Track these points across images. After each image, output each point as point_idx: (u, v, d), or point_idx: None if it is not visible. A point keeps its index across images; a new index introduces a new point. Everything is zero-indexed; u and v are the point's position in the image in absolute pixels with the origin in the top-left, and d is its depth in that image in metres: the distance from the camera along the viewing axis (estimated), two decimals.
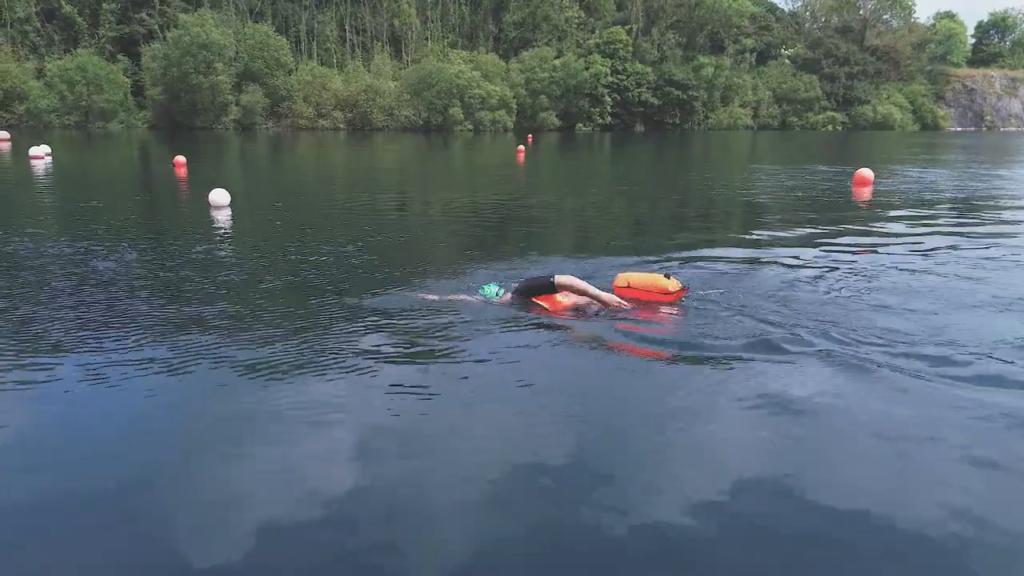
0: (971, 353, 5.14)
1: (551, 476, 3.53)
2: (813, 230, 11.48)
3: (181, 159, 20.82)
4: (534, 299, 6.06)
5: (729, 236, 11.34)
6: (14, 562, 2.85)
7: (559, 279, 5.94)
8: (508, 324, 5.73)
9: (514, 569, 2.87)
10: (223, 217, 11.74)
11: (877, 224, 12.42)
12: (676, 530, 3.10)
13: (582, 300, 6.06)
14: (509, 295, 6.19)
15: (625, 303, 6.04)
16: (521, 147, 34.06)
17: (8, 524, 3.10)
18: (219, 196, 12.14)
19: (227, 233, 10.74)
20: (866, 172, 18.09)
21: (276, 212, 13.53)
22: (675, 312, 6.05)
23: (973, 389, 4.57)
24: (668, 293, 6.02)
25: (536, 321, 5.80)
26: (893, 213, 14.07)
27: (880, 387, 4.57)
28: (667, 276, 6.15)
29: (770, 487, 3.50)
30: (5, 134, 35.38)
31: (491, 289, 6.24)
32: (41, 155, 22.45)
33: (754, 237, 10.96)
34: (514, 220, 12.88)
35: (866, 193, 16.96)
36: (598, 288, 6.05)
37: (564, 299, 6.08)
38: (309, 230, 11.27)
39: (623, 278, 6.26)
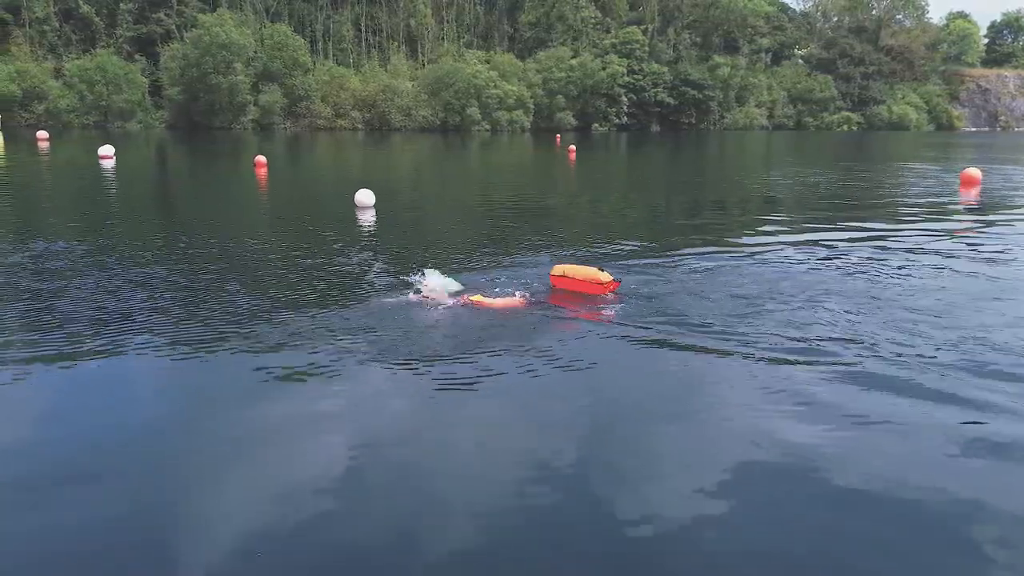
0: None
1: (550, 472, 3.58)
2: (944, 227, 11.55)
3: (262, 159, 20.34)
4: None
5: (853, 225, 11.08)
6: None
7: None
8: (489, 323, 5.86)
9: (511, 568, 2.89)
10: (368, 217, 11.29)
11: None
12: (675, 525, 3.14)
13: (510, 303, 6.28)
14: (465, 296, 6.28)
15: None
16: (572, 147, 33.73)
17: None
18: (365, 196, 11.71)
19: (378, 233, 10.29)
20: (974, 171, 17.74)
21: (417, 211, 13.21)
22: (623, 305, 6.29)
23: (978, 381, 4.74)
24: (601, 284, 6.34)
25: (521, 319, 5.96)
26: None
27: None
28: (601, 269, 6.49)
29: (772, 482, 3.52)
30: (44, 134, 34.90)
31: (435, 278, 6.29)
32: (109, 155, 22.03)
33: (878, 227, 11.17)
34: (632, 217, 12.57)
35: (974, 193, 16.63)
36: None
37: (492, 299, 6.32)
38: (456, 228, 10.88)
39: (559, 268, 6.58)
